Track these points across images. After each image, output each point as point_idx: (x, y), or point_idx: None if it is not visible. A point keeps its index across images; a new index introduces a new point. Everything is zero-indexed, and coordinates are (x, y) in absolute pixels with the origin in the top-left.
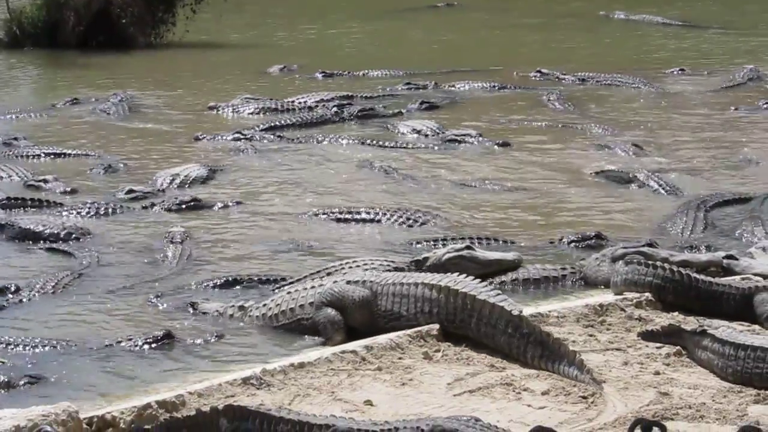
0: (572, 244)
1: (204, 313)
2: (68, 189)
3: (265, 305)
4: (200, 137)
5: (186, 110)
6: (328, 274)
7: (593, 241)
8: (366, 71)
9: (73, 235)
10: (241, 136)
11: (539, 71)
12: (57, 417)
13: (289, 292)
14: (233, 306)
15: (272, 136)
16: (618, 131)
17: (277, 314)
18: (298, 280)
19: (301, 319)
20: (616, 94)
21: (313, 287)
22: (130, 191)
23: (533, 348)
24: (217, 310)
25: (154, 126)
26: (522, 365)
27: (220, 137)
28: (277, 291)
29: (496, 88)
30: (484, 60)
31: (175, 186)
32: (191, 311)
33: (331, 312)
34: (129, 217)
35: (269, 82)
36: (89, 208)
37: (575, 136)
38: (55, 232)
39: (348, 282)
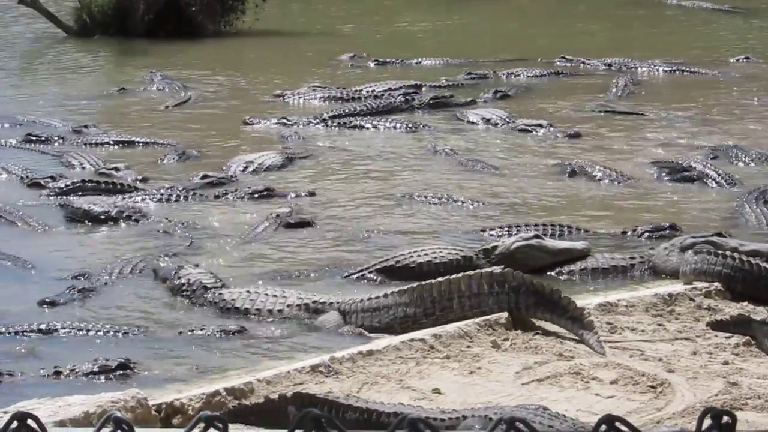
0: (646, 235)
1: (179, 278)
2: (140, 177)
3: (220, 294)
4: (249, 121)
5: (253, 98)
6: (397, 262)
7: (667, 231)
8: (419, 60)
9: (130, 216)
10: (287, 122)
11: (563, 57)
12: (126, 403)
13: (248, 292)
14: (199, 281)
15: (332, 123)
16: (683, 120)
17: (229, 308)
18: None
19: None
20: (672, 80)
21: (275, 296)
22: (205, 176)
23: (525, 297)
24: (188, 279)
25: (220, 113)
26: (590, 355)
27: (267, 122)
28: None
29: (557, 75)
30: (536, 49)
31: (249, 173)
32: (173, 274)
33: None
34: (203, 204)
35: (338, 71)
36: (162, 193)
37: (644, 124)
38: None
39: (314, 302)
